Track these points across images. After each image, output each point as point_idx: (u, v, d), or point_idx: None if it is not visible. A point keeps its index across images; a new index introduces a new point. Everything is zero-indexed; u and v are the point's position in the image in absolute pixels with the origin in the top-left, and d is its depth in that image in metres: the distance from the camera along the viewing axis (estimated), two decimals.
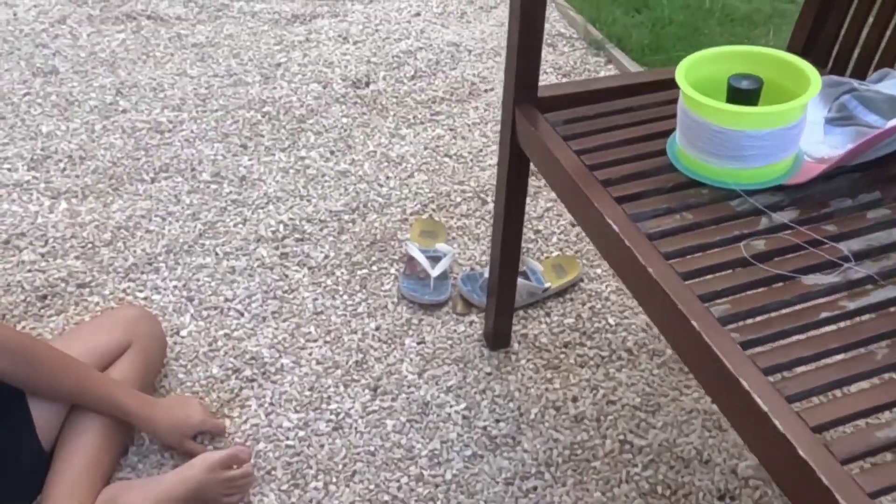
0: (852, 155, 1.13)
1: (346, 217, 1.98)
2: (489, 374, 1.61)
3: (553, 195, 2.04)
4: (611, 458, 1.45)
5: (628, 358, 1.64)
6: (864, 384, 0.91)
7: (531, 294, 1.75)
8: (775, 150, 1.12)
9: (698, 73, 1.17)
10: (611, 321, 1.72)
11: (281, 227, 1.94)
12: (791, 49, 1.45)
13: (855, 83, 1.25)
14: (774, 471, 0.87)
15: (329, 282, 1.81)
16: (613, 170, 1.18)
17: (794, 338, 0.95)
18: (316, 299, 1.76)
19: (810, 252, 1.05)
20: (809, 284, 1.01)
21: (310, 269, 1.84)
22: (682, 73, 1.15)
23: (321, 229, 1.94)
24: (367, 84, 2.44)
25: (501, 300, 1.60)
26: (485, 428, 1.51)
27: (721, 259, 1.04)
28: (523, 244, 1.85)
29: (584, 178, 1.16)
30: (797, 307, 0.98)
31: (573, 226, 1.95)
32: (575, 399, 1.56)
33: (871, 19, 1.32)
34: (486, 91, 2.42)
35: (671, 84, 1.31)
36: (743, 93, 1.14)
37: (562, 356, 1.65)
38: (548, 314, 1.74)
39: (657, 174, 1.18)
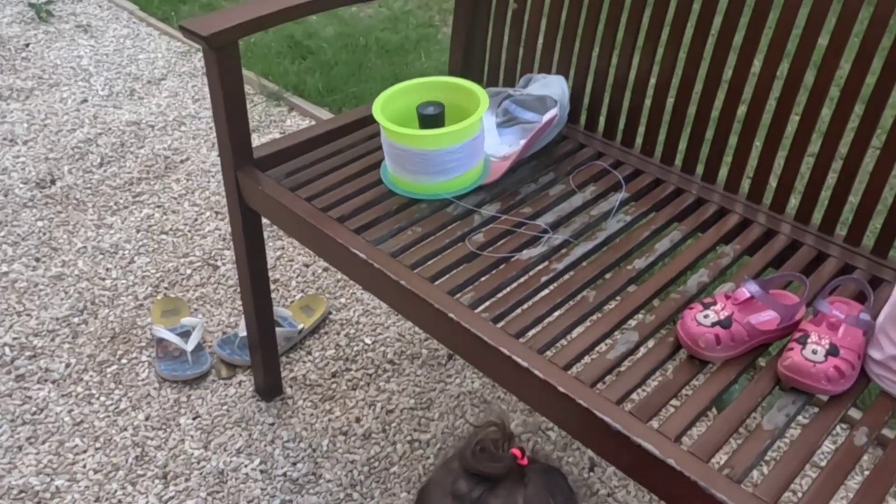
0: (525, 149, 1.38)
1: (75, 320, 1.90)
2: (272, 424, 1.67)
3: (280, 243, 2.13)
4: (405, 459, 1.59)
5: (392, 368, 1.80)
6: (587, 323, 1.15)
7: (288, 339, 1.83)
8: (468, 159, 1.33)
9: (391, 107, 1.35)
10: (367, 341, 1.86)
11: (6, 349, 1.81)
12: (452, 71, 1.70)
13: (509, 90, 1.52)
14: (544, 410, 1.06)
15: (80, 389, 1.74)
16: (344, 206, 1.32)
17: (529, 303, 1.16)
18: (71, 410, 1.69)
19: (518, 233, 1.28)
20: (525, 259, 1.23)
21: (53, 382, 1.75)
22: (378, 110, 1.33)
23: (52, 339, 1.85)
24: (53, 182, 2.33)
25: (265, 353, 1.67)
26: (285, 474, 1.57)
27: (455, 257, 1.23)
28: None
29: (322, 221, 1.29)
30: (522, 279, 1.20)
31: (307, 267, 2.07)
32: (358, 419, 1.68)
33: (506, 39, 1.60)
34: (181, 162, 2.44)
35: (370, 120, 1.49)
36: (431, 118, 1.35)
37: (334, 386, 1.76)
38: (309, 353, 1.84)
39: (381, 201, 1.34)
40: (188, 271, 2.05)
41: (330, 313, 1.94)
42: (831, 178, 1.27)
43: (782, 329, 1.08)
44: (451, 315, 1.11)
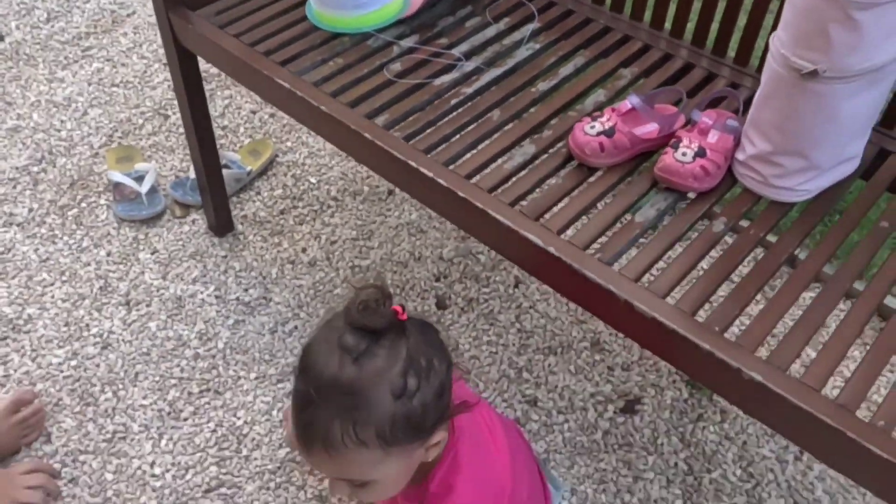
0: None
1: (34, 169, 1.99)
2: (225, 256, 1.81)
3: (228, 93, 2.20)
4: (347, 282, 1.75)
5: (336, 204, 1.92)
6: (491, 139, 1.26)
7: (238, 180, 1.94)
8: None
9: None
10: (312, 180, 1.98)
11: None
12: None
13: None
14: (452, 217, 1.20)
15: (43, 231, 1.85)
16: (270, 41, 1.40)
17: (439, 123, 1.27)
18: (37, 249, 1.81)
19: (434, 62, 1.37)
20: (438, 84, 1.33)
21: (18, 225, 1.86)
22: None
23: (14, 187, 1.95)
24: (2, 38, 2.36)
25: (214, 193, 1.78)
26: (238, 299, 1.72)
27: (372, 84, 1.32)
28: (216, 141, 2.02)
29: (249, 55, 1.37)
30: (435, 103, 1.30)
31: (254, 113, 2.15)
32: (304, 250, 1.82)
33: None
34: (128, 16, 2.46)
35: None
36: None
37: (282, 222, 1.89)
38: (258, 193, 1.96)
39: (305, 35, 1.42)
40: (140, 121, 2.13)
41: (277, 156, 2.04)
42: (722, 3, 1.36)
43: (663, 138, 1.21)
44: (366, 135, 1.22)
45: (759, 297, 1.65)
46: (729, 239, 1.17)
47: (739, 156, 1.16)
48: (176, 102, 2.17)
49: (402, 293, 1.73)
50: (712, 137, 1.15)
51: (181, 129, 2.10)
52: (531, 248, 1.09)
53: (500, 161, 1.22)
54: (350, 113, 1.26)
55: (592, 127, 1.18)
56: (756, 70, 1.35)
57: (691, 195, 1.16)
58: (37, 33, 2.39)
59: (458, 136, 1.25)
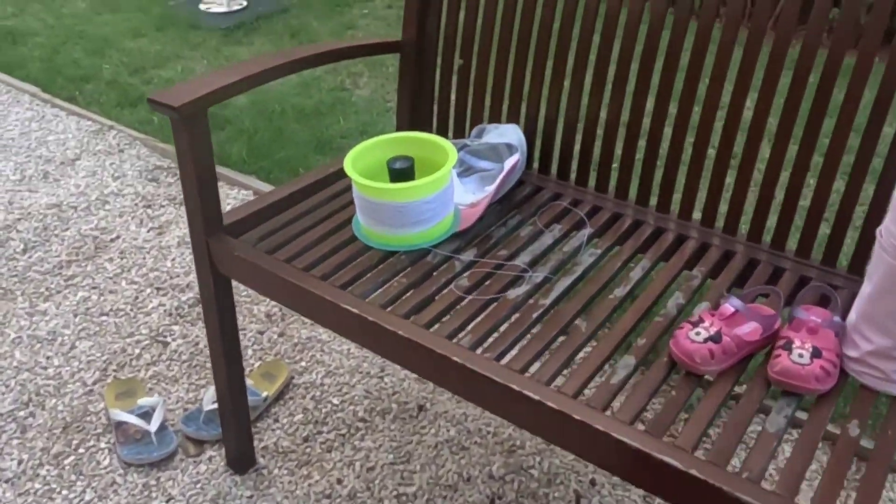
0: (495, 194, 1.44)
1: (21, 414, 1.80)
2: (250, 497, 1.63)
3: None
4: None
5: (365, 426, 1.78)
6: (584, 351, 1.19)
7: (254, 409, 1.79)
8: (443, 208, 1.37)
9: (362, 162, 1.38)
10: (335, 401, 1.85)
11: None
12: (399, 127, 1.75)
13: (466, 141, 1.58)
14: (560, 440, 1.10)
15: (38, 485, 1.64)
16: (325, 265, 1.33)
17: (527, 338, 1.20)
18: None
19: (499, 274, 1.32)
20: (512, 298, 1.27)
21: (7, 482, 1.64)
22: (349, 165, 1.35)
23: None
24: None
25: (239, 422, 1.63)
26: None
27: (445, 303, 1.26)
28: None
29: (306, 280, 1.29)
30: (514, 317, 1.24)
31: (261, 334, 2.04)
32: (339, 481, 1.66)
33: (454, 94, 1.67)
34: (111, 241, 2.37)
35: (332, 178, 1.52)
36: (401, 172, 1.38)
37: (308, 450, 1.73)
38: (276, 420, 1.81)
39: (360, 255, 1.36)
40: (137, 350, 1.98)
41: (292, 378, 1.91)
42: (777, 198, 1.38)
43: (764, 339, 1.16)
44: (456, 359, 1.14)
45: None
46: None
47: (851, 352, 1.12)
48: (174, 328, 2.05)
49: None
50: (822, 336, 1.12)
51: (183, 357, 1.96)
52: (669, 471, 0.99)
53: (603, 376, 1.14)
54: (431, 336, 1.18)
55: (698, 333, 1.13)
56: (821, 262, 1.35)
57: (809, 397, 1.10)
58: (13, 265, 2.26)
59: (549, 351, 1.18)
